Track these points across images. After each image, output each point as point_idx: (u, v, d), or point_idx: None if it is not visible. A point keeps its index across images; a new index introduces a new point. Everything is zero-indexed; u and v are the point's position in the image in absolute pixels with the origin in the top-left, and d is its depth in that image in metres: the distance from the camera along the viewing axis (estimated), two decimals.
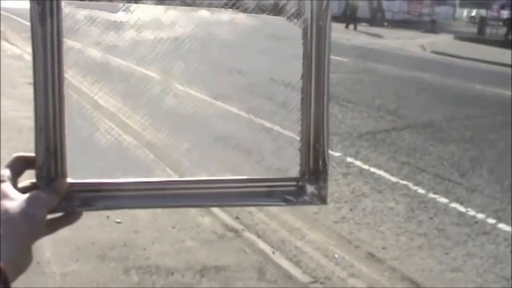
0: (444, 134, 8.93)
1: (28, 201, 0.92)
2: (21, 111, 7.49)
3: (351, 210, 5.68)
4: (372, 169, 6.93)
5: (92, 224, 4.69)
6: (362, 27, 33.30)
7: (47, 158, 0.99)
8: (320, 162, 1.07)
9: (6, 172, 0.95)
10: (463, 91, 13.11)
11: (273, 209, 5.41)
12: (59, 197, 0.98)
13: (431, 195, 6.19)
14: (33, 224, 0.92)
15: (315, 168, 1.07)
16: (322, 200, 1.08)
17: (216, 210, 5.25)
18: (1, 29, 20.07)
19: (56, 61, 0.99)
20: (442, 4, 41.23)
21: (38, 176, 0.99)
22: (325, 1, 1.05)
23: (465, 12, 45.87)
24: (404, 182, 6.53)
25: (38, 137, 0.98)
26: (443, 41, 27.42)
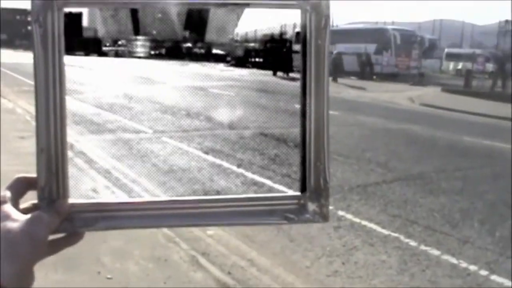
0: (434, 186, 8.96)
1: (30, 222, 0.93)
2: (13, 165, 7.49)
3: (343, 263, 5.67)
4: (364, 222, 6.92)
5: (83, 279, 4.67)
6: (352, 80, 33.63)
7: (48, 178, 1.00)
8: (321, 180, 1.07)
9: (8, 193, 0.96)
10: (452, 143, 13.20)
11: (265, 263, 5.41)
12: (60, 218, 0.98)
13: (423, 247, 6.18)
14: (35, 244, 0.92)
15: (316, 186, 1.07)
16: (324, 217, 1.08)
17: (207, 264, 5.25)
18: None
19: (57, 82, 0.99)
20: (429, 58, 41.77)
21: (39, 197, 0.99)
22: (324, 18, 1.05)
23: (451, 65, 46.36)
24: (396, 235, 6.53)
25: (40, 158, 0.99)
26: (431, 93, 27.69)
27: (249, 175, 8.49)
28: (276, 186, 7.97)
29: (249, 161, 9.32)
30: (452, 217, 7.36)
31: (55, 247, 1.00)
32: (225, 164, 9.10)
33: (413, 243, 6.29)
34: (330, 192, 1.07)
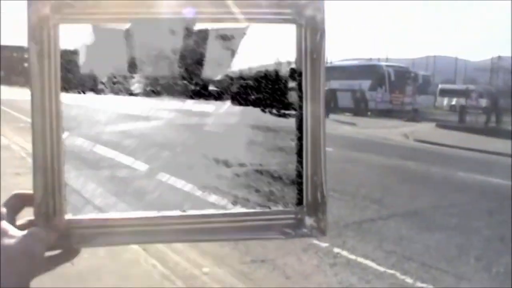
0: (429, 222, 8.94)
1: (27, 238, 0.92)
2: None
3: None
4: (359, 259, 6.89)
5: None
6: (346, 116, 33.74)
7: (45, 195, 0.99)
8: (319, 194, 1.07)
9: (4, 210, 0.96)
10: (447, 178, 13.21)
11: None
12: (57, 234, 0.98)
13: (419, 284, 6.15)
14: (31, 261, 0.91)
15: (313, 200, 1.07)
16: (321, 232, 1.07)
17: None
18: None
19: (53, 99, 1.01)
20: (423, 93, 42.02)
21: (36, 213, 0.99)
22: (319, 33, 1.05)
23: (445, 101, 46.62)
24: (392, 272, 6.49)
25: (36, 174, 0.99)
26: (425, 129, 27.78)
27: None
28: None
29: (244, 198, 9.27)
30: (448, 253, 7.33)
31: (51, 263, 1.00)
32: (221, 201, 9.07)
33: (409, 280, 6.26)
34: (328, 207, 1.07)
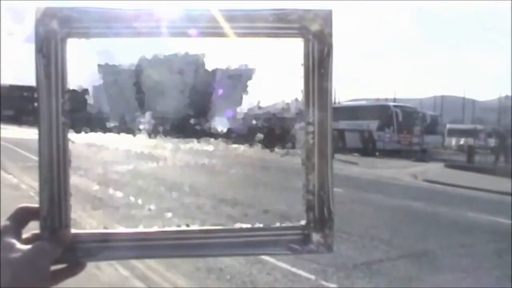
0: (439, 263, 8.84)
1: (32, 252, 0.92)
2: None
3: None
4: None
5: None
6: (354, 157, 33.69)
7: (51, 208, 0.99)
8: (325, 210, 1.07)
9: (10, 224, 0.96)
10: (456, 219, 13.10)
11: None
12: (63, 248, 0.98)
13: None
14: (37, 275, 0.91)
15: (320, 216, 1.07)
16: (328, 248, 1.07)
17: None
18: None
19: (60, 112, 1.01)
20: (431, 134, 41.97)
21: (42, 227, 0.99)
22: (326, 47, 1.05)
23: (453, 141, 46.63)
24: None
25: (43, 188, 0.99)
26: (434, 169, 27.67)
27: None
28: (280, 263, 7.88)
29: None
30: None
31: (57, 277, 0.99)
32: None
33: None
34: (335, 223, 1.07)
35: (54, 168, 1.00)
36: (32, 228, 1.02)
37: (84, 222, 9.73)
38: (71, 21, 1.01)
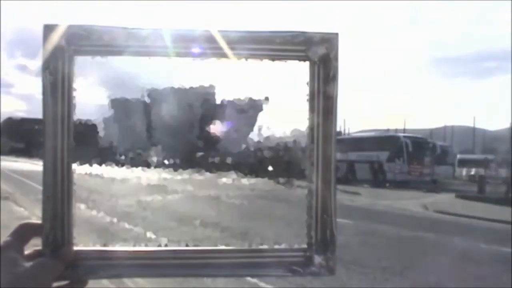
0: None
1: (35, 268, 0.92)
2: None
3: None
4: None
5: None
6: (365, 188, 33.57)
7: (54, 225, 0.99)
8: (328, 233, 1.07)
9: (12, 240, 0.95)
10: (469, 250, 12.98)
11: None
12: (65, 265, 0.97)
13: None
14: None
15: (322, 239, 1.06)
16: (330, 271, 1.07)
17: None
18: (10, 191, 20.30)
19: (66, 129, 1.00)
20: (442, 164, 41.78)
21: (44, 243, 0.98)
22: (332, 70, 1.06)
23: (464, 171, 46.41)
24: None
25: (46, 204, 0.99)
26: (445, 200, 27.51)
27: (263, 285, 8.34)
28: None
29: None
30: None
31: None
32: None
33: None
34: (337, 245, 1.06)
35: (58, 184, 1.00)
36: (34, 244, 1.02)
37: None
38: (79, 38, 1.01)
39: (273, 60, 1.08)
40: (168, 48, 1.05)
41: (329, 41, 1.06)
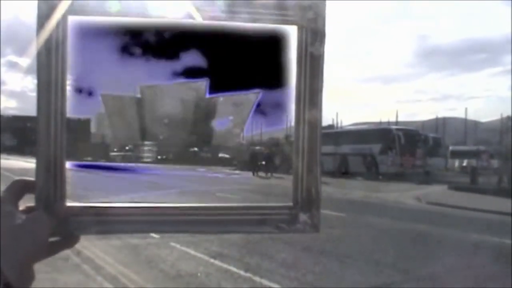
0: (444, 285, 8.80)
1: (32, 221, 0.94)
2: None
3: None
4: None
5: None
6: (358, 181, 33.67)
7: (46, 181, 1.00)
8: (313, 190, 1.08)
9: (7, 195, 0.97)
10: (461, 241, 13.05)
11: None
12: (58, 220, 0.98)
13: None
14: (37, 242, 0.93)
15: (308, 197, 1.08)
16: (315, 228, 1.08)
17: None
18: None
19: (60, 89, 1.01)
20: (434, 156, 41.88)
21: (37, 199, 1.00)
22: (319, 34, 1.07)
23: (456, 162, 46.56)
24: None
25: (39, 160, 1.00)
26: (437, 191, 27.61)
27: (257, 279, 8.37)
28: (272, 284, 7.85)
29: (257, 265, 9.22)
30: None
31: (52, 249, 1.00)
32: (233, 268, 8.99)
33: None
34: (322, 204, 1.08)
35: (51, 141, 1.00)
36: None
37: (89, 252, 9.72)
38: None
39: (261, 23, 1.09)
40: (163, 10, 1.05)
41: (318, 6, 1.08)
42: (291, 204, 1.09)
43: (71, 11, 1.02)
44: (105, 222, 1.04)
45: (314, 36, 1.08)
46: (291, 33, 1.10)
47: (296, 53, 1.09)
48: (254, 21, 1.09)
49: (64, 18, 1.01)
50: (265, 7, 1.08)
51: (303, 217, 1.09)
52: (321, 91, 1.08)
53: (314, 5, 1.08)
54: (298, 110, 1.09)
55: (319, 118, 1.09)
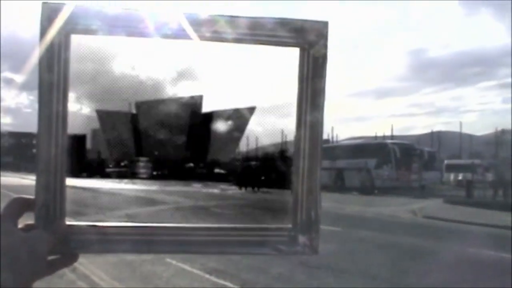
0: None
1: (32, 239, 0.94)
2: None
3: None
4: None
5: None
6: (353, 195, 33.64)
7: (46, 199, 1.00)
8: (313, 213, 1.08)
9: (7, 213, 0.96)
10: (457, 254, 13.01)
11: None
12: (57, 238, 0.98)
13: None
14: (36, 261, 0.93)
15: (307, 219, 1.08)
16: (314, 250, 1.09)
17: None
18: None
19: (61, 101, 1.01)
20: (429, 170, 41.87)
21: (37, 217, 0.99)
22: (321, 57, 1.08)
23: (452, 176, 46.54)
24: None
25: (39, 178, 1.00)
26: (433, 205, 27.59)
27: None
28: None
29: (253, 281, 9.18)
30: None
31: (51, 267, 1.00)
32: (229, 284, 8.96)
33: None
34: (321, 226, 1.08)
35: (52, 158, 1.01)
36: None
37: (84, 268, 9.67)
38: (76, 17, 1.02)
39: (264, 45, 1.09)
40: (165, 30, 1.06)
41: (320, 28, 1.09)
42: (290, 225, 1.10)
43: (74, 30, 1.03)
44: (104, 241, 1.04)
45: (316, 59, 1.08)
46: (293, 54, 1.10)
47: (298, 75, 1.09)
48: (255, 43, 1.09)
49: (66, 37, 1.02)
50: (267, 28, 1.08)
51: (302, 239, 1.09)
52: (322, 114, 1.09)
53: (316, 27, 1.09)
54: (298, 132, 1.09)
55: (320, 141, 1.09)
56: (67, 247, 1.02)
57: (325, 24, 1.10)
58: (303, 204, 1.09)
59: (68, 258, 1.04)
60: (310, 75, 1.08)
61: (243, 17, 1.07)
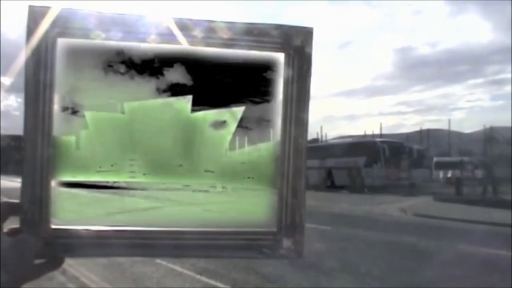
0: None
1: (18, 243, 0.94)
2: None
3: None
4: None
5: None
6: (343, 194, 33.70)
7: (32, 203, 1.00)
8: (297, 217, 1.09)
9: None
10: (447, 251, 13.06)
11: None
12: (43, 242, 0.98)
13: None
14: (23, 265, 0.93)
15: (292, 222, 1.09)
16: (298, 254, 1.09)
17: None
18: None
19: (46, 109, 1.01)
20: (419, 167, 42.00)
21: (22, 221, 0.99)
22: (306, 62, 1.09)
23: (441, 173, 46.68)
24: None
25: (24, 181, 1.00)
26: (423, 203, 27.66)
27: None
28: None
29: (243, 280, 9.18)
30: None
31: (37, 271, 1.00)
32: (219, 284, 8.96)
33: None
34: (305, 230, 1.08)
35: (38, 162, 1.01)
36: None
37: (74, 270, 9.63)
38: (63, 21, 1.02)
39: (250, 50, 1.10)
40: (153, 35, 1.06)
41: (305, 34, 1.10)
42: (275, 229, 1.10)
43: (60, 33, 1.03)
44: (90, 245, 1.04)
45: (301, 63, 1.09)
46: (278, 59, 1.11)
47: (282, 79, 1.10)
48: (241, 47, 1.10)
49: (53, 40, 1.02)
50: (253, 33, 1.09)
51: (286, 242, 1.10)
52: (307, 119, 1.09)
53: (301, 32, 1.10)
54: (283, 135, 1.10)
55: (304, 146, 1.10)
56: (53, 250, 1.02)
57: (310, 30, 1.11)
58: (288, 207, 1.10)
59: (54, 261, 1.03)
60: (295, 79, 1.09)
61: (226, 22, 1.08)
